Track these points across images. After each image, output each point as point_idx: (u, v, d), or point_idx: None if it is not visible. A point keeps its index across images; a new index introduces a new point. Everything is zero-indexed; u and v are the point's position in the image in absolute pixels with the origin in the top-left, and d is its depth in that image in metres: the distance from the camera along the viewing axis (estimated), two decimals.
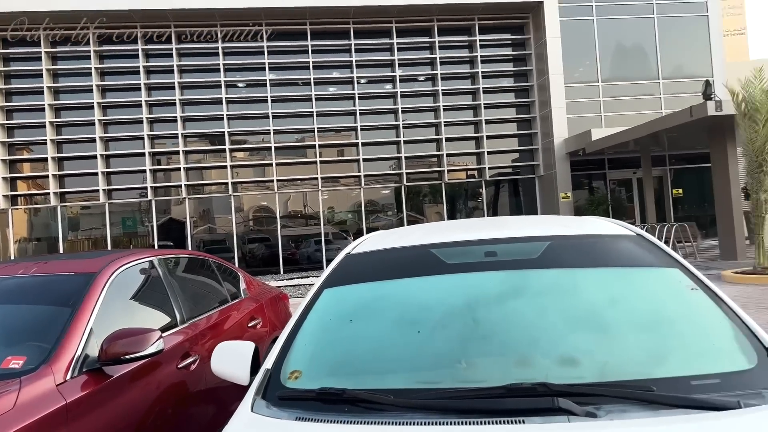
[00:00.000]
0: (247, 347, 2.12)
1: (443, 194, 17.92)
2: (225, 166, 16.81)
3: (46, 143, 15.95)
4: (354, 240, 2.90)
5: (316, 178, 17.16)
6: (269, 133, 16.93)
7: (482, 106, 17.61)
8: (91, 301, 2.85)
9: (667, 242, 13.58)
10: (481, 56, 17.71)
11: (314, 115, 17.07)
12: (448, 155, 17.59)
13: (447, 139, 17.53)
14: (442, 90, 17.54)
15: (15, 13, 15.19)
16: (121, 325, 2.89)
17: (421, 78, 17.86)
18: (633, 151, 17.15)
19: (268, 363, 1.96)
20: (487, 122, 17.68)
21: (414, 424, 1.52)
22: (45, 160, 16.00)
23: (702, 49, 18.49)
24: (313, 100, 17.09)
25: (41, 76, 16.05)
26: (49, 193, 16.02)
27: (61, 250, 16.24)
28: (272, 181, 17.02)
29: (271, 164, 16.97)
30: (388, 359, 1.86)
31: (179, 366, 3.19)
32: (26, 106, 16.13)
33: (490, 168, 17.80)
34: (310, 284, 13.64)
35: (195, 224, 17.19)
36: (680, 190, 19.05)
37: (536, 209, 18.12)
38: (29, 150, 16.37)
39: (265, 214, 17.75)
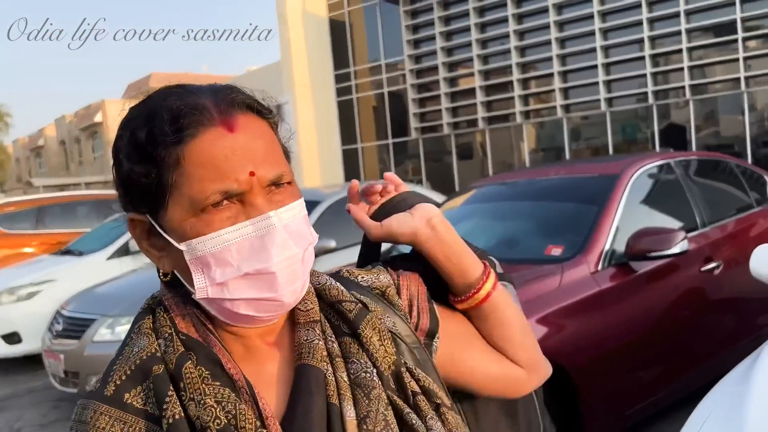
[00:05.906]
0: None
1: None
2: (736, 59, 14.71)
3: (551, 59, 17.20)
4: None
5: None
6: None
7: None
8: (616, 200, 3.04)
9: None
10: None
11: None
12: None
13: None
14: None
15: None
16: (643, 224, 3.00)
17: None
18: None
19: None
20: None
21: None
22: (551, 75, 17.33)
23: None
24: None
25: None
26: (555, 107, 17.39)
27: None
28: None
29: None
30: None
31: (702, 270, 3.13)
32: (533, 26, 17.62)
33: None
34: None
35: (698, 128, 15.88)
36: None
37: None
38: (536, 68, 17.98)
39: None
